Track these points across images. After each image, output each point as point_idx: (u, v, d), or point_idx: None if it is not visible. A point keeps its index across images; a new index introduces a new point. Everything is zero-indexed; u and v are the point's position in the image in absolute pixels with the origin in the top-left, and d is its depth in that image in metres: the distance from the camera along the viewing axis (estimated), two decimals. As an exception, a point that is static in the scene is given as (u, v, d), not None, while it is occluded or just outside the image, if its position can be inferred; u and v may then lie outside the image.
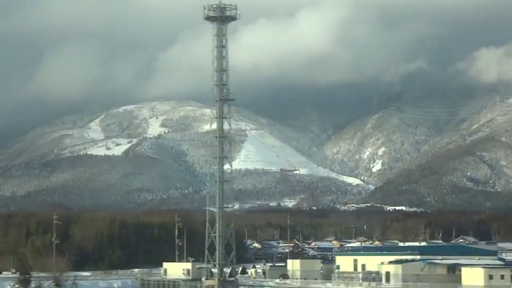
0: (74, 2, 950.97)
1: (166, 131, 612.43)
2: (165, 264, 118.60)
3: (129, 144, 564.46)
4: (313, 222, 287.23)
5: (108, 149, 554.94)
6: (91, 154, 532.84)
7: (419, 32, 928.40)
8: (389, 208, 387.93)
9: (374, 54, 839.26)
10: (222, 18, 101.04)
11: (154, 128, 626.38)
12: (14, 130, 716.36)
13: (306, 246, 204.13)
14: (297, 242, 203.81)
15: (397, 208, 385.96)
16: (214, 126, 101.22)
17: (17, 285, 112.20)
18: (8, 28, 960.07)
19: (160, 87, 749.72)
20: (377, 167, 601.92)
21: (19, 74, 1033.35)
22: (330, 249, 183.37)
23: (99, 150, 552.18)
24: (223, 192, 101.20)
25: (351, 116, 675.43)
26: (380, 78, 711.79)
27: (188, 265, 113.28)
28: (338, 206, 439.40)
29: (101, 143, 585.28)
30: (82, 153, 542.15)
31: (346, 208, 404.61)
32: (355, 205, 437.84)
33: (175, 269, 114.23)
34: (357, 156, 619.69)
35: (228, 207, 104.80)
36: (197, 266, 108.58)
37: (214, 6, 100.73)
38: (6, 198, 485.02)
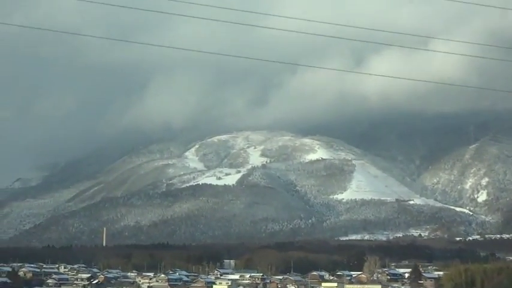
0: (188, 31, 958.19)
1: (268, 161, 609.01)
2: None
3: (239, 174, 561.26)
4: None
5: (219, 179, 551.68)
6: (210, 184, 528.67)
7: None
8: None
9: (499, 82, 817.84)
10: None
11: (255, 158, 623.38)
12: (102, 158, 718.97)
13: None
14: None
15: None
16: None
17: None
18: (125, 57, 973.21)
19: (258, 117, 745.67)
20: (482, 197, 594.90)
21: (121, 101, 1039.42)
22: None
23: (210, 180, 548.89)
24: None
25: (444, 146, 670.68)
26: (496, 107, 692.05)
27: None
28: (475, 237, 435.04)
29: (208, 172, 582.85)
30: (200, 183, 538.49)
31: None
32: (494, 235, 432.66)
33: None
34: (459, 187, 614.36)
35: None
36: None
37: None
38: (130, 227, 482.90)
